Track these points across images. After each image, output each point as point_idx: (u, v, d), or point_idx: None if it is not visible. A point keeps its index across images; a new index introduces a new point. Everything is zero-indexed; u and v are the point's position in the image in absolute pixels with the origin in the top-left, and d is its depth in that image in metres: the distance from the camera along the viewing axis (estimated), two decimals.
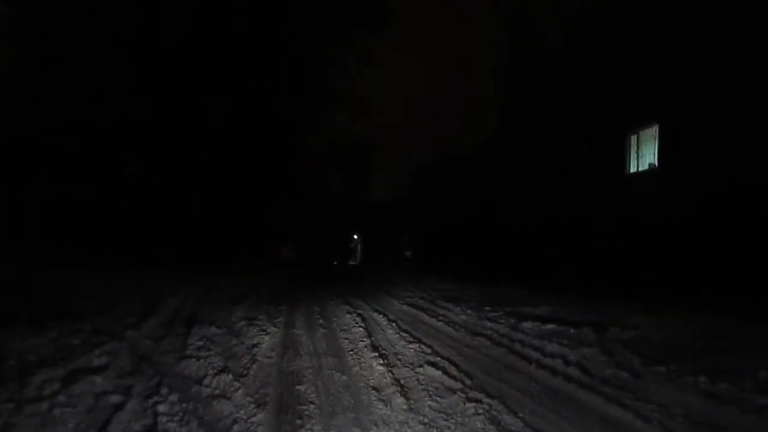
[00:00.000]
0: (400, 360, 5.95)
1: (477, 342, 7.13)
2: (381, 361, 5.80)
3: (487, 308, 9.73)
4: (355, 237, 45.78)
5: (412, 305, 10.70)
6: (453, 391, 4.80)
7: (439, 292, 12.47)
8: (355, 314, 9.12)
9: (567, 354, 6.34)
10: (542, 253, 16.88)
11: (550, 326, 7.92)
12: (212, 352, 5.75)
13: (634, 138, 13.86)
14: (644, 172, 13.40)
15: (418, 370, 5.52)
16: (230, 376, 5.00)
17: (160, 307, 8.16)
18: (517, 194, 19.38)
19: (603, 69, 14.81)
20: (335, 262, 38.57)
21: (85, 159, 15.54)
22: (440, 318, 9.01)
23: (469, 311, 9.46)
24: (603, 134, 14.56)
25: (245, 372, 5.27)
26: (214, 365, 5.34)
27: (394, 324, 8.23)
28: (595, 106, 14.96)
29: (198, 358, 5.48)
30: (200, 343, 6.16)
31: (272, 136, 23.89)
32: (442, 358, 6.02)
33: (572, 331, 7.64)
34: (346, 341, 6.95)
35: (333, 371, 5.50)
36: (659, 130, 12.85)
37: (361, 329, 7.72)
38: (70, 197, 14.92)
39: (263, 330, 7.29)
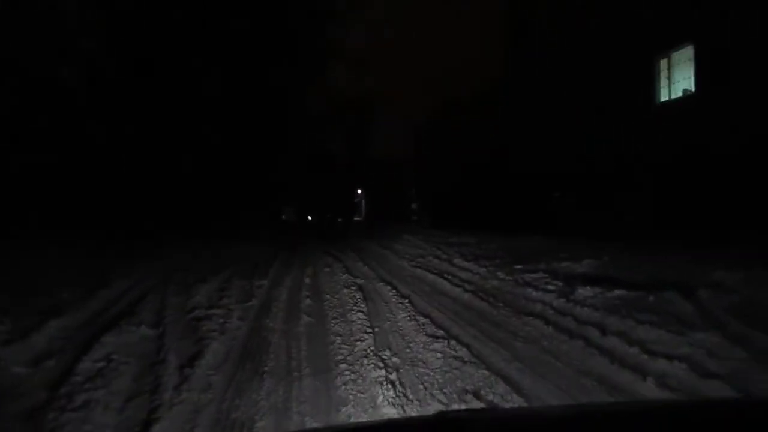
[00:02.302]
0: (423, 383, 3.16)
1: (531, 329, 4.34)
2: (390, 391, 3.02)
3: (519, 266, 6.97)
4: (359, 192, 42.67)
5: (427, 268, 7.89)
6: None
7: (455, 248, 9.63)
8: (354, 287, 6.31)
9: (681, 347, 3.60)
10: (559, 200, 14.00)
11: (618, 292, 5.22)
12: (102, 392, 2.99)
13: (664, 62, 10.76)
14: (678, 100, 10.40)
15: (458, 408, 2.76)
16: None
17: (95, 296, 5.44)
18: (529, 139, 16.16)
19: None
20: (339, 219, 35.84)
21: (54, 127, 12.56)
22: (467, 286, 6.19)
23: (499, 273, 6.68)
24: (627, 60, 11.38)
25: None
26: (88, 425, 2.61)
27: (406, 301, 5.42)
28: (617, 26, 11.70)
29: (63, 411, 2.73)
30: (100, 364, 3.42)
31: (270, 99, 20.75)
32: (493, 372, 3.24)
33: (651, 299, 4.93)
34: (338, 340, 4.12)
35: (308, 419, 2.74)
36: (696, 51, 9.76)
37: (361, 315, 4.90)
38: (40, 167, 12.03)
39: (219, 326, 4.49)
